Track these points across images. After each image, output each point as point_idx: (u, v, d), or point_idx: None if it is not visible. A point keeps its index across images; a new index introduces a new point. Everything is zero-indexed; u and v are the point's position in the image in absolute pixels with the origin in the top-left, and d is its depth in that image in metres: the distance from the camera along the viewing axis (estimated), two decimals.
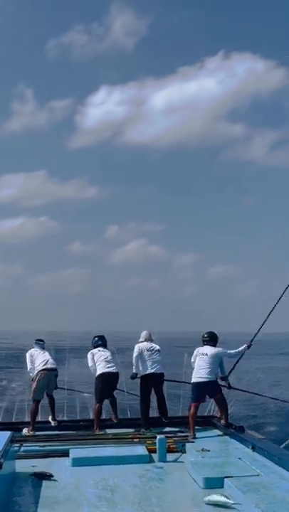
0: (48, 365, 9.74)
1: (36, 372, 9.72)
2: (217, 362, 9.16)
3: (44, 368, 9.69)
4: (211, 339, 9.40)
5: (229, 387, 9.64)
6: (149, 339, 9.93)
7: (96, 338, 10.15)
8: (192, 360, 9.45)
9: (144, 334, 10.00)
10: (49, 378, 9.73)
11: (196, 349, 9.51)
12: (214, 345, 9.32)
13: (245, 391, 10.54)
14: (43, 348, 10.13)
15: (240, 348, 9.49)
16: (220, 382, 9.42)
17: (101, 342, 10.08)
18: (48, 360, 9.79)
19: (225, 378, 9.55)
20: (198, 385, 9.04)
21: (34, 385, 9.68)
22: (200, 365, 9.12)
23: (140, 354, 9.64)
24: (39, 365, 9.73)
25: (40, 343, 10.19)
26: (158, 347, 9.83)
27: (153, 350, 9.72)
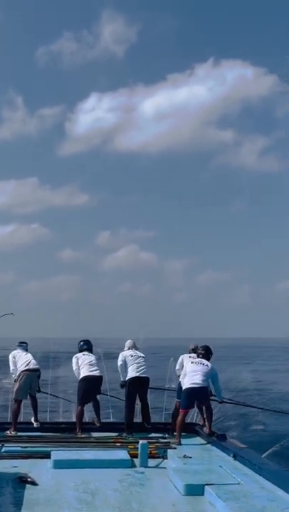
0: (31, 366, 9.76)
1: (19, 372, 9.72)
2: (210, 375, 9.04)
3: (26, 368, 9.70)
4: (207, 353, 9.35)
5: (221, 401, 9.64)
6: (133, 347, 9.96)
7: (81, 343, 10.18)
8: (177, 367, 9.46)
9: (128, 343, 10.02)
10: (31, 379, 9.74)
11: (182, 356, 9.52)
12: (208, 359, 9.28)
13: (236, 403, 10.54)
14: (26, 350, 10.13)
15: (221, 392, 9.47)
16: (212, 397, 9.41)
17: (86, 346, 10.10)
18: (30, 361, 9.81)
19: (220, 402, 9.57)
20: (192, 391, 8.91)
21: (16, 385, 9.67)
22: (195, 371, 8.99)
23: (124, 361, 9.66)
24: (21, 366, 9.74)
25: (23, 345, 10.20)
26: (142, 354, 9.85)
27: (137, 355, 9.75)
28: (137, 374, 9.54)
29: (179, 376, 9.69)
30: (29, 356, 9.92)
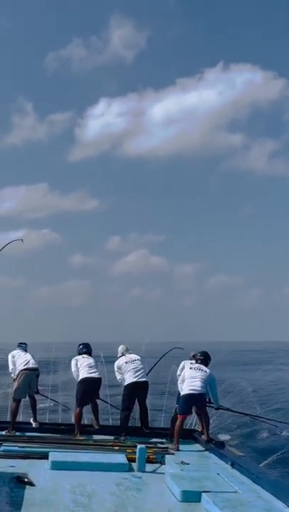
0: (30, 365, 9.78)
1: (18, 372, 9.74)
2: (208, 381, 9.05)
3: (25, 367, 9.73)
4: (205, 359, 9.35)
5: (217, 408, 9.62)
6: (126, 351, 9.83)
7: (81, 346, 10.20)
8: (178, 372, 9.44)
9: (120, 348, 9.91)
10: (30, 378, 9.76)
11: (183, 362, 9.50)
12: (206, 365, 9.28)
13: (232, 411, 10.52)
14: (25, 350, 10.16)
15: (218, 399, 9.48)
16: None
17: (86, 350, 10.12)
18: (29, 361, 9.83)
19: (217, 408, 9.56)
20: (190, 397, 8.90)
21: (15, 384, 9.70)
22: (194, 376, 9.00)
23: (120, 368, 9.61)
24: (20, 365, 9.76)
25: (23, 346, 10.24)
26: (137, 356, 9.76)
27: (132, 360, 9.64)
28: (135, 379, 9.47)
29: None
30: (28, 356, 9.95)
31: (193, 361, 9.45)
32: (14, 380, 9.79)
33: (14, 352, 10.06)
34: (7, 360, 10.09)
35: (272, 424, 11.79)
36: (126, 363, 9.58)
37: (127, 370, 9.52)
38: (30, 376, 9.76)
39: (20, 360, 9.83)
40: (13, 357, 9.98)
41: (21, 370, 9.71)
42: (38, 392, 10.13)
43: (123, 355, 9.78)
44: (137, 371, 9.54)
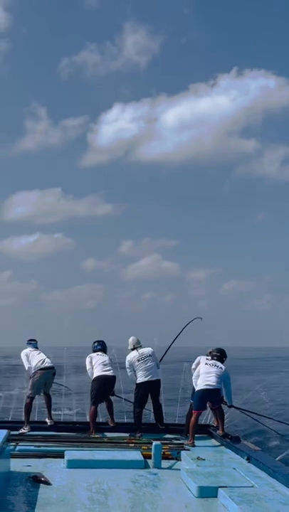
0: (46, 364, 9.79)
1: (34, 371, 9.74)
2: (223, 377, 9.03)
3: (42, 367, 9.73)
4: (221, 356, 9.32)
5: (230, 406, 9.56)
6: (137, 345, 9.76)
7: (95, 343, 10.16)
8: (193, 366, 9.42)
9: (131, 341, 9.81)
10: (46, 377, 9.78)
11: (199, 357, 9.47)
12: (222, 362, 9.24)
13: (245, 410, 10.46)
14: (36, 347, 10.14)
15: (231, 396, 9.40)
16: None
17: (100, 347, 10.07)
18: (44, 360, 9.83)
19: (230, 406, 9.49)
20: (205, 392, 8.89)
21: (30, 382, 9.72)
22: (209, 372, 8.99)
23: (132, 366, 9.56)
24: (37, 364, 9.76)
25: (33, 343, 10.20)
26: (149, 351, 9.66)
27: (144, 357, 9.55)
28: (147, 379, 9.44)
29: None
30: (42, 354, 9.95)
31: (209, 357, 9.42)
32: (30, 377, 9.81)
33: (27, 350, 10.03)
34: (21, 360, 10.07)
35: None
36: (138, 360, 9.51)
37: (139, 369, 9.48)
38: (47, 375, 9.78)
39: (35, 360, 9.81)
40: (26, 355, 9.96)
41: (38, 370, 9.73)
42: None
43: (134, 348, 9.69)
44: (149, 370, 9.48)
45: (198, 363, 9.40)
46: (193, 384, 9.31)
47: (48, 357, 10.01)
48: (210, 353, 9.55)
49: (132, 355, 9.63)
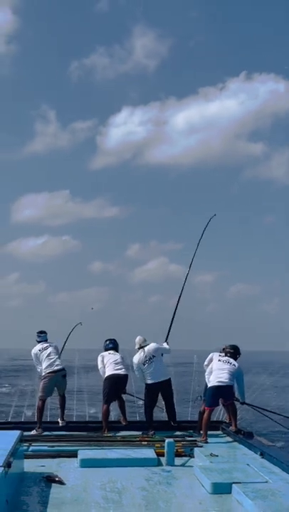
0: (54, 368, 9.73)
1: (44, 374, 9.74)
2: (236, 374, 9.02)
3: (50, 370, 9.70)
4: (235, 353, 9.31)
5: (243, 403, 9.52)
6: (143, 344, 9.66)
7: (107, 342, 10.14)
8: (206, 363, 9.39)
9: (137, 340, 9.72)
10: (56, 379, 9.74)
11: (212, 354, 9.45)
12: (235, 359, 9.23)
13: (257, 407, 10.42)
14: (46, 340, 10.02)
15: (244, 393, 9.37)
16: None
17: (112, 345, 10.07)
18: (54, 362, 9.77)
19: (242, 403, 9.46)
20: (218, 389, 8.90)
21: (41, 384, 9.71)
22: (222, 368, 8.99)
23: (139, 368, 9.53)
24: (46, 368, 9.73)
25: (42, 336, 10.06)
26: (153, 351, 9.53)
27: (149, 359, 9.47)
28: (155, 380, 9.41)
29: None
30: (52, 355, 9.82)
31: (222, 354, 9.39)
32: (40, 379, 9.81)
33: (36, 351, 9.91)
34: (33, 360, 10.04)
35: None
36: (144, 364, 9.44)
37: (146, 371, 9.45)
38: (56, 378, 9.74)
39: (44, 362, 9.76)
40: (36, 356, 9.90)
41: (47, 373, 9.71)
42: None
43: (141, 347, 9.63)
44: (156, 372, 9.43)
45: (210, 360, 9.38)
46: (206, 380, 9.30)
47: (58, 356, 9.94)
48: (223, 349, 9.53)
49: (138, 358, 9.54)
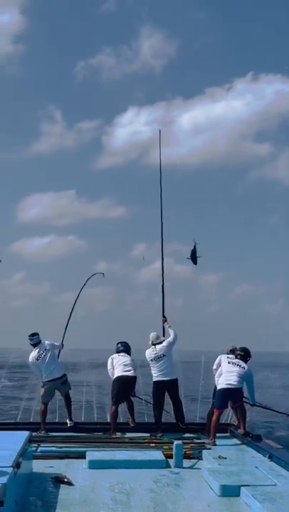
0: (50, 377, 9.72)
1: (43, 383, 9.78)
2: (245, 376, 8.99)
3: (50, 379, 9.72)
4: (245, 355, 9.29)
5: (253, 404, 9.50)
6: (156, 341, 9.75)
7: (118, 345, 10.18)
8: (214, 367, 9.38)
9: (151, 337, 9.84)
10: (55, 387, 9.78)
11: (220, 356, 9.44)
12: (245, 362, 9.20)
13: (268, 408, 10.39)
14: (39, 341, 9.84)
15: (254, 395, 9.36)
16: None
17: (123, 348, 10.09)
18: (52, 371, 9.73)
19: (252, 405, 9.44)
20: (227, 391, 8.88)
21: (42, 391, 9.77)
22: (231, 371, 8.96)
23: (149, 363, 9.63)
24: (45, 377, 9.73)
25: (34, 338, 9.85)
26: (163, 350, 9.59)
27: (158, 357, 9.56)
28: (161, 378, 9.48)
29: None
30: (51, 365, 9.73)
31: (232, 356, 9.38)
32: (42, 386, 9.82)
33: (34, 360, 9.77)
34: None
35: None
36: (151, 360, 9.57)
37: (153, 368, 9.58)
38: (55, 385, 9.76)
39: (44, 373, 9.71)
40: (34, 365, 9.80)
41: (46, 381, 9.73)
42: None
43: (153, 344, 9.71)
44: (162, 370, 9.50)
45: (219, 363, 9.37)
46: (216, 383, 9.27)
47: (56, 361, 9.85)
48: (230, 351, 9.52)
49: (148, 354, 9.69)
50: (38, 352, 9.77)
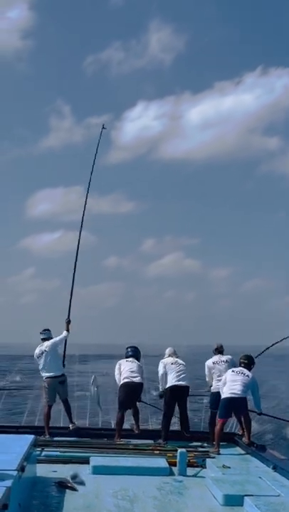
0: (51, 373, 9.80)
1: (44, 378, 9.85)
2: (250, 385, 8.96)
3: (48, 376, 9.79)
4: (249, 363, 9.29)
5: (260, 413, 9.50)
6: (173, 354, 9.88)
7: (128, 349, 10.20)
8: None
9: (168, 350, 9.97)
10: (54, 385, 9.79)
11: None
12: (250, 370, 9.20)
13: (276, 417, 10.36)
14: (49, 337, 10.00)
15: (260, 404, 9.36)
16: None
17: (132, 353, 10.10)
18: (50, 368, 9.81)
19: (259, 414, 9.46)
20: (230, 401, 8.86)
21: (44, 390, 9.84)
22: (235, 380, 8.94)
23: (165, 369, 9.59)
24: (43, 373, 9.84)
25: (46, 332, 10.07)
26: (183, 362, 9.75)
27: (178, 363, 9.66)
28: (177, 383, 9.46)
29: (210, 387, 9.68)
30: (51, 363, 9.82)
31: (217, 356, 9.54)
32: (43, 385, 9.90)
33: (37, 352, 9.93)
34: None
35: None
36: (172, 364, 9.61)
37: (171, 371, 9.53)
38: (54, 384, 9.78)
39: (44, 369, 9.82)
40: (38, 359, 9.92)
41: (45, 378, 9.81)
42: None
43: (170, 356, 9.81)
44: (180, 375, 9.51)
45: (209, 371, 9.53)
46: (220, 392, 9.23)
47: (56, 360, 9.92)
48: (216, 349, 9.76)
49: (168, 359, 9.74)
50: (43, 347, 9.94)
